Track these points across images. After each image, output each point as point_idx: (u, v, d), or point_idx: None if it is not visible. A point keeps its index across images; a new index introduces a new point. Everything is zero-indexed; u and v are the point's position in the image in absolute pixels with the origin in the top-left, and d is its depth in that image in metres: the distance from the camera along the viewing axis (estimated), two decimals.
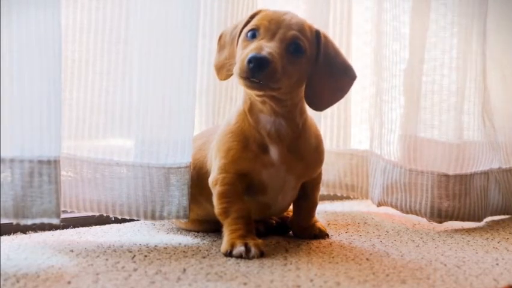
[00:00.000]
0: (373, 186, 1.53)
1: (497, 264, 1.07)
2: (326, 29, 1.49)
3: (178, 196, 1.17)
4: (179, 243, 1.16)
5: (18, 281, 0.87)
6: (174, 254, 1.07)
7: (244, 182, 1.13)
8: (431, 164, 1.43)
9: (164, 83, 1.16)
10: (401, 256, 1.11)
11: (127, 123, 1.18)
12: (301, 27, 1.08)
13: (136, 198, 1.16)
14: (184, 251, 1.09)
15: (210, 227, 1.24)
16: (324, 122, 1.60)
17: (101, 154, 1.17)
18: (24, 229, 1.20)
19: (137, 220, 1.31)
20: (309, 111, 1.16)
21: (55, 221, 1.01)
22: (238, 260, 1.03)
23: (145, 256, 1.05)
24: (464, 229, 1.41)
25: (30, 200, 0.99)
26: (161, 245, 1.13)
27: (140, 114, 1.16)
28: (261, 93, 1.06)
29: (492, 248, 1.20)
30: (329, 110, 1.55)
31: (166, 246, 1.13)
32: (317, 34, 1.12)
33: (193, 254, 1.07)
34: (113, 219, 1.24)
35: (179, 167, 1.17)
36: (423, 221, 1.46)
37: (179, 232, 1.27)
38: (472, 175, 1.44)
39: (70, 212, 1.23)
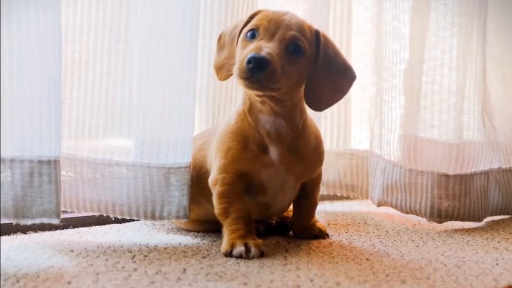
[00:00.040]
0: (373, 186, 1.53)
1: (497, 264, 1.07)
2: (326, 29, 1.49)
3: (178, 196, 1.17)
4: (179, 243, 1.16)
5: (18, 281, 0.87)
6: (174, 254, 1.07)
7: (243, 182, 1.13)
8: (431, 164, 1.43)
9: (164, 83, 1.16)
10: (401, 256, 1.11)
11: (127, 123, 1.18)
12: (301, 28, 1.08)
13: (136, 198, 1.16)
14: (184, 251, 1.09)
15: (210, 227, 1.24)
16: (324, 122, 1.60)
17: (101, 154, 1.17)
18: (24, 229, 1.20)
19: (137, 220, 1.31)
20: (309, 112, 1.16)
21: (55, 221, 1.01)
22: (238, 260, 1.03)
23: (145, 256, 1.05)
24: (464, 229, 1.41)
25: (30, 200, 0.99)
26: (161, 245, 1.13)
27: (140, 114, 1.17)
28: (260, 93, 1.06)
29: (492, 248, 1.20)
30: (328, 110, 1.55)
31: (166, 246, 1.13)
32: (317, 34, 1.12)
33: (193, 254, 1.07)
34: (113, 219, 1.24)
35: (179, 167, 1.17)
36: (423, 221, 1.46)
37: (179, 232, 1.27)
38: (471, 175, 1.44)
39: (70, 212, 1.23)
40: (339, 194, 1.68)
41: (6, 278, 0.89)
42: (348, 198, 1.75)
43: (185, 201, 1.17)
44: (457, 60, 1.45)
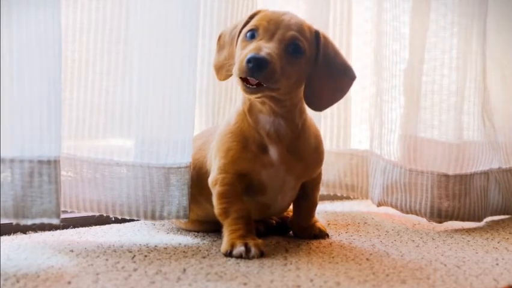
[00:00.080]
0: (373, 186, 1.53)
1: (497, 264, 1.07)
2: (326, 29, 1.50)
3: (178, 196, 1.17)
4: (179, 243, 1.16)
5: (18, 281, 0.87)
6: (174, 254, 1.07)
7: (243, 182, 1.13)
8: (431, 164, 1.43)
9: (164, 83, 1.16)
10: (401, 256, 1.11)
11: (127, 123, 1.18)
12: (301, 28, 1.08)
13: (136, 198, 1.16)
14: (184, 251, 1.09)
15: (210, 227, 1.24)
16: (324, 122, 1.60)
17: (101, 154, 1.17)
18: (24, 229, 1.20)
19: (137, 220, 1.31)
20: (309, 112, 1.16)
21: (55, 221, 1.01)
22: (238, 260, 1.03)
23: (145, 256, 1.05)
24: (464, 229, 1.41)
25: (30, 200, 0.99)
26: (161, 245, 1.14)
27: (140, 114, 1.17)
28: (258, 95, 1.06)
29: (492, 248, 1.20)
30: (328, 110, 1.55)
31: (166, 246, 1.13)
32: (316, 34, 1.12)
33: (193, 254, 1.07)
34: (113, 219, 1.24)
35: (179, 167, 1.17)
36: (423, 221, 1.46)
37: (179, 232, 1.27)
38: (471, 175, 1.44)
39: (70, 212, 1.23)
40: (339, 194, 1.68)
41: (6, 278, 0.89)
42: (348, 198, 1.75)
43: (185, 201, 1.17)
44: (457, 60, 1.45)
